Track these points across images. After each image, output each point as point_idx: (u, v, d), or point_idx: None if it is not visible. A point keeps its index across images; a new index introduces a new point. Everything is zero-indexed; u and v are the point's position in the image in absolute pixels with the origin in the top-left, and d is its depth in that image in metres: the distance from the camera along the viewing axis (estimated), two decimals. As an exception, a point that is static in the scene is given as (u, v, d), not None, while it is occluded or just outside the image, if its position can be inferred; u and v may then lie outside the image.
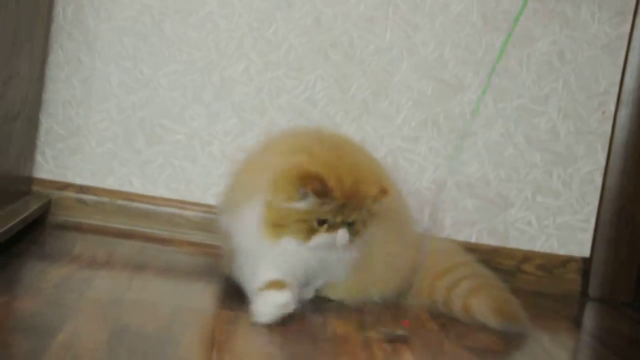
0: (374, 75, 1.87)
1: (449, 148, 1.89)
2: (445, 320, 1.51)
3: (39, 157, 1.85)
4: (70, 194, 1.85)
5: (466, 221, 1.90)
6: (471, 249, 1.88)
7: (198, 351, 1.17)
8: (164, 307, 1.36)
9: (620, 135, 1.90)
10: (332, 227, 1.40)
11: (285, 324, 1.35)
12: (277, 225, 1.40)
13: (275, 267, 1.41)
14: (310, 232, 1.40)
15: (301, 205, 1.38)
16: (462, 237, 1.89)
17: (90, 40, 1.84)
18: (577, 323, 1.72)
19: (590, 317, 1.80)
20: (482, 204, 1.90)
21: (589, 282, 1.90)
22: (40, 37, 1.73)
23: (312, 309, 1.46)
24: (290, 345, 1.26)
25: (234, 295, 1.50)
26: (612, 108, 1.90)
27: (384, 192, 1.42)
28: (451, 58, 1.88)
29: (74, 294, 1.35)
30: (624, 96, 1.89)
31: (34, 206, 1.70)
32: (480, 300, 1.53)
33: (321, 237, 1.40)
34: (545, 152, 1.91)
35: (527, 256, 1.90)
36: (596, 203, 1.91)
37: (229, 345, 1.22)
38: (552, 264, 1.91)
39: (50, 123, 1.85)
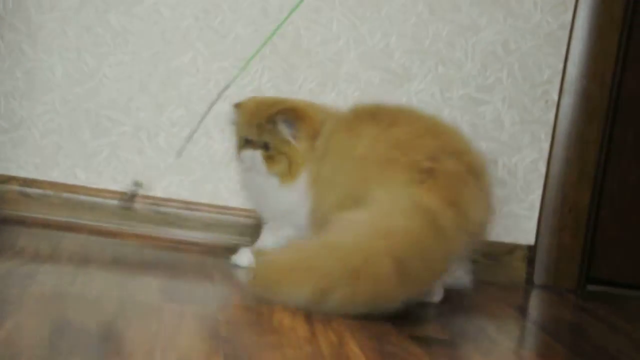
0: (321, 66, 1.87)
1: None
2: (393, 310, 1.52)
3: (-20, 150, 1.82)
4: (14, 187, 1.82)
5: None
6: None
7: (142, 347, 1.17)
8: (108, 301, 1.35)
9: (563, 124, 1.92)
10: (248, 146, 1.65)
11: (230, 315, 1.35)
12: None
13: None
14: (239, 149, 1.67)
15: (234, 121, 1.70)
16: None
17: (32, 31, 1.81)
18: (522, 311, 1.75)
19: (535, 305, 1.82)
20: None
21: (534, 270, 1.93)
22: (-20, 28, 1.70)
23: (257, 301, 1.46)
24: (236, 338, 1.26)
25: (181, 289, 1.49)
26: (555, 97, 1.93)
27: (284, 111, 1.61)
28: (397, 48, 1.89)
29: (16, 289, 1.33)
30: (567, 85, 1.92)
31: (-25, 200, 1.67)
32: None
33: (242, 155, 1.66)
34: (491, 142, 1.93)
35: (473, 245, 1.92)
36: (540, 191, 1.94)
37: (174, 341, 1.21)
38: (499, 252, 1.93)
39: (-8, 115, 1.82)
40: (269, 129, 1.63)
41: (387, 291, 1.40)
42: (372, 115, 1.60)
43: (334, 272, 1.39)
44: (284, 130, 1.63)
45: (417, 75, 1.89)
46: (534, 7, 1.91)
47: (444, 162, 1.50)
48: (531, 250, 1.94)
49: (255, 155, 1.65)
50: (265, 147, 1.64)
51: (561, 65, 1.92)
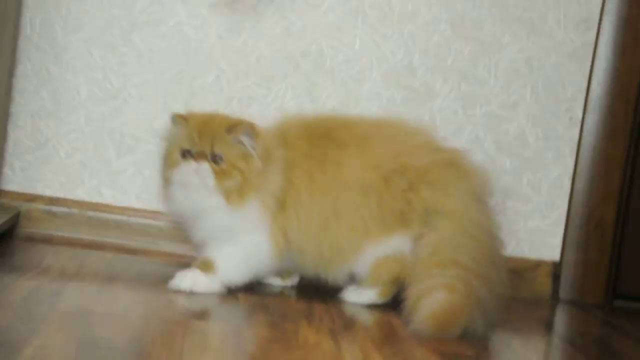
0: (344, 84, 1.88)
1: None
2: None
3: (7, 170, 1.84)
4: (39, 206, 1.83)
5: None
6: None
7: (168, 361, 1.17)
8: (133, 318, 1.35)
9: (588, 140, 1.92)
10: (192, 158, 1.52)
11: (257, 332, 1.35)
12: (164, 179, 1.56)
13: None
14: (175, 165, 1.53)
15: (168, 135, 1.56)
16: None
17: (58, 52, 1.83)
18: (548, 326, 1.73)
19: (561, 320, 1.81)
20: (452, 210, 1.91)
21: (560, 286, 1.91)
22: (7, 50, 1.72)
23: (283, 315, 1.46)
24: (262, 355, 1.26)
25: (206, 306, 1.50)
26: (579, 114, 1.92)
27: (248, 124, 1.53)
28: (420, 66, 1.89)
29: (43, 306, 1.34)
30: (591, 102, 1.91)
31: (2, 219, 1.68)
32: (429, 303, 1.46)
33: (181, 168, 1.52)
34: (515, 158, 1.92)
35: (498, 261, 1.91)
36: (565, 207, 1.93)
37: (200, 358, 1.21)
38: (523, 268, 1.92)
39: (19, 135, 1.84)
40: (227, 140, 1.52)
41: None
42: (329, 139, 1.58)
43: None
44: (248, 143, 1.53)
45: (439, 93, 1.90)
46: (557, 25, 1.90)
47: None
48: (556, 266, 1.93)
49: (200, 169, 1.51)
50: (215, 160, 1.52)
51: (585, 83, 1.92)
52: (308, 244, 1.57)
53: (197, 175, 1.51)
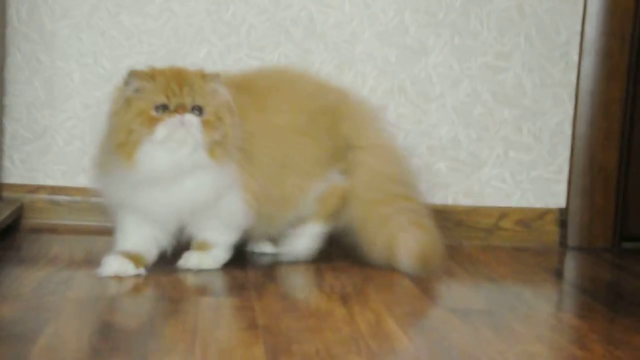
0: (337, 48, 1.87)
1: (418, 113, 1.89)
2: (423, 281, 1.52)
3: (6, 162, 1.84)
4: (43, 196, 1.84)
5: (441, 184, 1.90)
6: (448, 211, 1.89)
7: (182, 342, 1.18)
8: (144, 300, 1.36)
9: (586, 84, 1.90)
10: (175, 111, 1.40)
11: (268, 303, 1.35)
12: (124, 143, 1.40)
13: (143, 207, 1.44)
14: (152, 122, 1.39)
15: (129, 92, 1.41)
16: (437, 200, 1.89)
17: (47, 40, 1.82)
18: (558, 274, 1.73)
19: (571, 267, 1.81)
20: (455, 165, 1.90)
21: (567, 232, 1.91)
22: (-5, 42, 1.72)
23: (293, 285, 1.46)
24: (274, 326, 1.26)
25: (214, 283, 1.50)
26: (576, 58, 1.90)
27: (217, 74, 1.45)
28: (412, 23, 1.87)
29: (54, 296, 1.35)
30: (586, 45, 1.89)
31: (5, 212, 1.69)
32: (407, 240, 1.57)
33: (166, 124, 1.38)
34: (514, 108, 1.91)
35: (504, 212, 1.91)
36: (568, 153, 1.92)
37: (212, 333, 1.22)
38: (530, 218, 1.92)
39: (15, 127, 1.84)
40: (205, 90, 1.43)
41: None
42: (252, 90, 1.56)
43: None
44: (223, 92, 1.45)
45: (433, 49, 1.88)
46: (546, -31, 1.88)
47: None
48: (563, 213, 1.92)
49: (187, 121, 1.39)
50: (199, 111, 1.42)
51: (579, 26, 1.90)
52: (266, 195, 1.52)
53: (184, 129, 1.39)
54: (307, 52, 1.86)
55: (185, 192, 1.43)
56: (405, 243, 1.57)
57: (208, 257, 1.54)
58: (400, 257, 1.57)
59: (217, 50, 1.85)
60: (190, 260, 1.53)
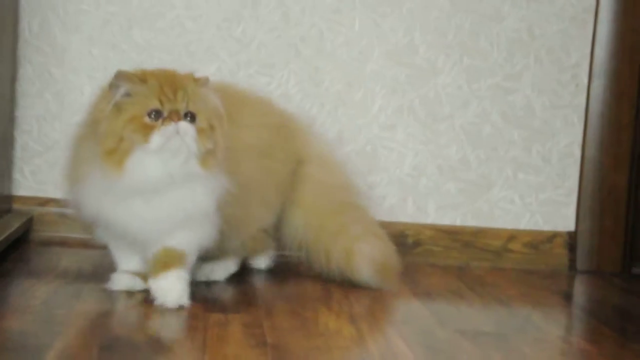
0: (346, 66, 1.87)
1: (427, 133, 1.89)
2: (432, 302, 1.52)
3: (17, 175, 1.84)
4: (52, 209, 1.84)
5: (450, 205, 1.90)
6: (456, 232, 1.89)
7: (190, 358, 1.17)
8: (152, 315, 1.36)
9: (595, 107, 1.90)
10: (169, 118, 1.31)
11: (276, 321, 1.35)
12: (113, 150, 1.31)
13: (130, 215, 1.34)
14: (146, 130, 1.30)
15: (118, 96, 1.32)
16: (446, 220, 1.89)
17: (59, 53, 1.83)
18: (567, 297, 1.73)
19: (580, 291, 1.81)
20: (464, 186, 1.91)
21: (576, 256, 1.90)
22: (7, 54, 1.72)
23: (301, 302, 1.46)
24: (283, 344, 1.26)
25: (223, 298, 1.50)
26: (585, 80, 1.91)
27: (206, 78, 1.39)
28: (421, 43, 1.88)
29: (63, 309, 1.35)
30: (596, 67, 1.90)
31: (15, 224, 1.69)
32: (365, 249, 1.58)
33: (161, 132, 1.30)
34: (523, 129, 1.91)
35: (513, 235, 1.91)
36: (577, 176, 1.92)
37: (220, 350, 1.21)
38: (538, 241, 1.92)
39: (26, 139, 1.84)
40: (199, 95, 1.36)
41: None
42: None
43: None
44: (213, 97, 1.38)
45: (443, 69, 1.89)
46: (557, -9, 1.89)
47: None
48: (572, 236, 1.92)
49: (183, 129, 1.31)
50: (192, 118, 1.34)
51: (589, 48, 1.90)
52: (234, 212, 1.45)
53: (179, 138, 1.31)
54: (317, 69, 1.86)
55: (173, 203, 1.35)
56: (364, 252, 1.57)
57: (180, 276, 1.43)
58: (359, 267, 1.57)
59: (227, 67, 1.86)
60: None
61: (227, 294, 1.52)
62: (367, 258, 1.57)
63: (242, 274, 1.62)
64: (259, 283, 1.60)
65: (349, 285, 1.60)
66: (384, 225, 1.86)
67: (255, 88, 1.82)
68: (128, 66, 1.82)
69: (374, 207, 1.87)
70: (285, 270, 1.70)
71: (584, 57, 1.90)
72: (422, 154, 1.89)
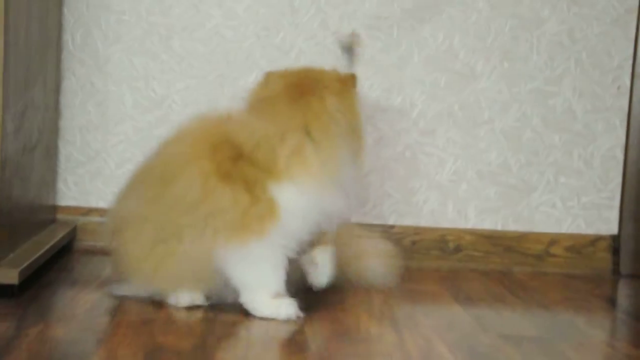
0: (385, 72, 1.87)
1: (467, 138, 1.88)
2: (473, 307, 1.51)
3: (60, 185, 1.87)
4: (95, 219, 1.86)
5: (490, 209, 1.89)
6: (497, 236, 1.88)
7: (233, 364, 1.18)
8: (195, 323, 1.37)
9: (638, 109, 1.88)
10: None
11: (318, 328, 1.35)
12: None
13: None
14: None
15: None
16: (487, 225, 1.88)
17: (101, 64, 1.86)
18: (611, 301, 1.71)
19: (624, 295, 1.78)
20: (504, 191, 1.89)
21: (620, 259, 1.88)
22: (52, 66, 1.75)
23: (342, 308, 1.46)
24: (325, 350, 1.26)
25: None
26: (627, 82, 1.89)
27: None
28: (461, 47, 1.87)
29: (107, 317, 1.36)
30: (638, 69, 1.88)
31: (60, 234, 1.71)
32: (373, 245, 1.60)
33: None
34: (564, 133, 1.90)
35: (555, 239, 1.89)
36: (620, 179, 1.90)
37: (263, 357, 1.22)
38: (581, 245, 1.90)
39: (69, 150, 1.87)
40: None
41: None
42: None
43: None
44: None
45: (482, 74, 1.88)
46: (597, -7, 1.87)
47: None
48: (615, 239, 1.90)
49: None
50: None
51: (631, 50, 1.88)
52: None
53: None
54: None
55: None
56: (372, 250, 1.61)
57: None
58: (372, 266, 1.59)
59: (266, 75, 1.86)
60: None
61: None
62: (376, 255, 1.61)
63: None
64: (300, 290, 1.61)
65: (388, 291, 1.60)
66: (425, 230, 1.87)
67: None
68: (168, 76, 1.85)
69: (414, 213, 1.88)
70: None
71: (626, 59, 1.88)
72: (462, 159, 1.88)
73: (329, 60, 1.86)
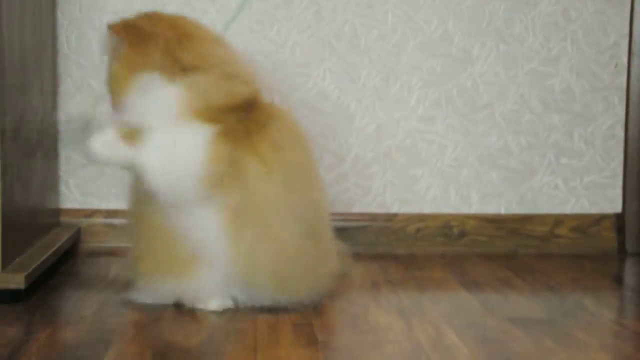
0: (382, 61, 1.87)
1: (466, 123, 1.88)
2: (483, 293, 1.51)
3: (63, 188, 1.87)
4: (99, 220, 1.86)
5: (493, 193, 1.89)
6: (502, 220, 1.88)
7: (242, 359, 1.18)
8: (202, 319, 1.37)
9: (636, 86, 1.88)
10: None
11: (326, 319, 1.35)
12: None
13: None
14: None
15: None
16: (490, 209, 1.88)
17: (97, 65, 1.85)
18: (618, 280, 1.71)
19: (630, 273, 1.78)
20: (506, 174, 1.89)
21: (625, 238, 1.88)
22: (48, 69, 1.75)
23: (349, 299, 1.46)
24: (334, 341, 1.27)
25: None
26: (625, 60, 1.88)
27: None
28: (456, 32, 1.87)
29: (114, 318, 1.36)
30: (635, 46, 1.87)
31: (64, 237, 1.71)
32: None
33: None
34: (563, 113, 1.89)
35: (559, 220, 1.89)
36: (621, 157, 1.90)
37: (272, 351, 1.22)
38: (586, 224, 1.90)
39: (69, 152, 1.87)
40: None
41: None
42: None
43: None
44: None
45: (479, 57, 1.87)
46: (591, -28, 1.87)
47: None
48: (619, 218, 1.90)
49: None
50: None
51: (627, 27, 1.88)
52: None
53: None
54: (352, 66, 1.86)
55: None
56: None
57: None
58: None
59: (262, 69, 1.86)
60: None
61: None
62: None
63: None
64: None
65: (395, 280, 1.60)
66: (429, 217, 1.87)
67: (292, 88, 1.84)
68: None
69: (417, 200, 1.88)
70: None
71: (622, 37, 1.88)
72: (462, 144, 1.88)
73: (325, 51, 1.86)
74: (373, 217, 1.87)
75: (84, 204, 1.87)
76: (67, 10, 1.84)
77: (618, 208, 1.91)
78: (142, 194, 1.40)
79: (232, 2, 1.85)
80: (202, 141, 1.33)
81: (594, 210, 1.91)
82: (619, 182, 1.90)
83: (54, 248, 1.61)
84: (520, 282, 1.61)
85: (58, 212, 1.85)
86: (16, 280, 1.42)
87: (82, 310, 1.40)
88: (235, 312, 1.40)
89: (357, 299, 1.49)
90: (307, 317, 1.37)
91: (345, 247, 1.57)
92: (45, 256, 1.54)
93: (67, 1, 1.84)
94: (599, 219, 1.90)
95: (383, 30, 1.86)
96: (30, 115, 1.60)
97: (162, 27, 1.37)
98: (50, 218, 1.78)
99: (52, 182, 1.80)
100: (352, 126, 1.87)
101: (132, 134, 1.37)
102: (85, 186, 1.87)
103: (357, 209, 1.87)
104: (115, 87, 1.37)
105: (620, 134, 1.90)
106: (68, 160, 1.86)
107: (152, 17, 1.40)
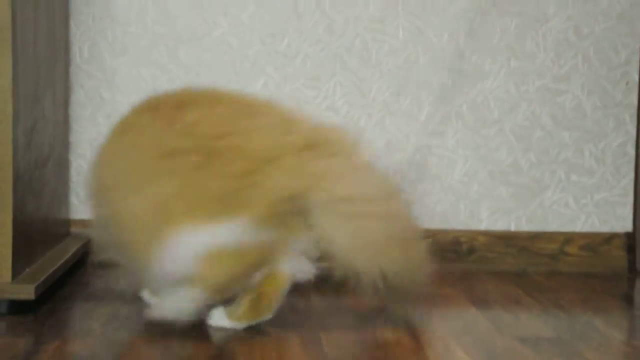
0: (392, 75, 1.87)
1: (477, 139, 1.88)
2: (492, 311, 1.51)
3: (73, 199, 1.87)
4: (107, 231, 1.86)
5: (503, 209, 1.89)
6: (511, 237, 1.87)
7: (252, 375, 1.18)
8: (213, 333, 1.37)
9: (648, 104, 1.88)
10: None
11: (334, 336, 1.35)
12: None
13: None
14: None
15: None
16: (500, 226, 1.88)
17: (109, 76, 1.86)
18: (628, 300, 1.70)
19: (640, 292, 1.78)
20: (516, 191, 1.89)
21: (636, 257, 1.87)
22: (60, 80, 1.75)
23: (357, 315, 1.46)
24: (343, 357, 1.26)
25: (281, 315, 1.50)
26: (636, 77, 1.88)
27: None
28: (467, 47, 1.87)
29: (124, 330, 1.36)
30: (647, 64, 1.87)
31: (74, 248, 1.72)
32: None
33: None
34: (574, 130, 1.89)
35: (569, 238, 1.89)
36: (632, 175, 1.89)
37: (281, 365, 1.22)
38: (596, 243, 1.89)
39: (80, 163, 1.87)
40: None
41: None
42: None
43: None
44: None
45: (489, 73, 1.87)
46: (603, -11, 1.87)
47: None
48: (630, 237, 1.89)
49: None
50: None
51: (638, 44, 1.88)
52: None
53: None
54: (363, 80, 1.87)
55: None
56: None
57: None
58: None
59: (273, 82, 1.87)
60: None
61: (285, 310, 1.52)
62: None
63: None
64: (312, 296, 1.61)
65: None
66: (437, 233, 1.87)
67: (302, 102, 1.84)
68: (175, 85, 1.85)
69: (426, 215, 1.87)
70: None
71: (633, 54, 1.88)
72: (472, 160, 1.88)
73: (335, 65, 1.86)
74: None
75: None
76: (79, 20, 1.84)
77: (629, 227, 1.90)
78: None
79: (243, 15, 1.86)
80: None
81: (605, 228, 1.90)
82: (630, 200, 1.90)
83: (64, 259, 1.61)
84: (529, 300, 1.61)
85: (68, 222, 1.85)
86: (26, 291, 1.42)
87: (92, 323, 1.40)
88: (245, 328, 1.40)
89: (364, 314, 1.48)
90: (315, 333, 1.37)
91: None
92: (55, 267, 1.54)
93: (80, 12, 1.84)
94: (609, 237, 1.90)
95: (394, 45, 1.87)
96: (42, 126, 1.61)
97: None
98: (60, 228, 1.78)
99: (62, 193, 1.80)
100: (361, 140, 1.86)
101: None
102: (95, 197, 1.87)
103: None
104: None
105: (631, 151, 1.89)
106: (79, 171, 1.87)
107: None
